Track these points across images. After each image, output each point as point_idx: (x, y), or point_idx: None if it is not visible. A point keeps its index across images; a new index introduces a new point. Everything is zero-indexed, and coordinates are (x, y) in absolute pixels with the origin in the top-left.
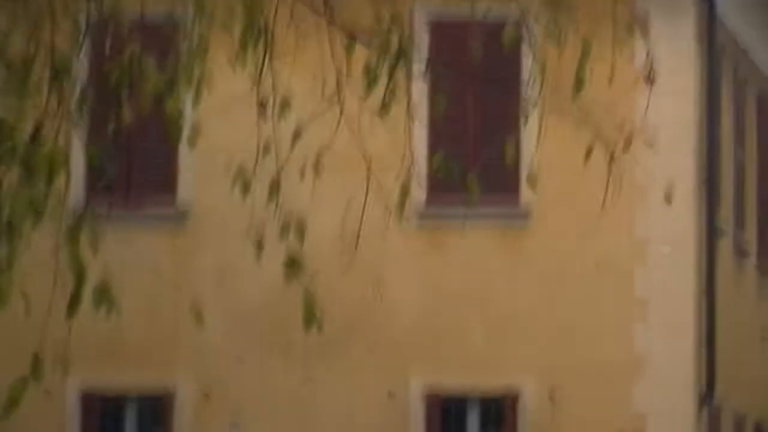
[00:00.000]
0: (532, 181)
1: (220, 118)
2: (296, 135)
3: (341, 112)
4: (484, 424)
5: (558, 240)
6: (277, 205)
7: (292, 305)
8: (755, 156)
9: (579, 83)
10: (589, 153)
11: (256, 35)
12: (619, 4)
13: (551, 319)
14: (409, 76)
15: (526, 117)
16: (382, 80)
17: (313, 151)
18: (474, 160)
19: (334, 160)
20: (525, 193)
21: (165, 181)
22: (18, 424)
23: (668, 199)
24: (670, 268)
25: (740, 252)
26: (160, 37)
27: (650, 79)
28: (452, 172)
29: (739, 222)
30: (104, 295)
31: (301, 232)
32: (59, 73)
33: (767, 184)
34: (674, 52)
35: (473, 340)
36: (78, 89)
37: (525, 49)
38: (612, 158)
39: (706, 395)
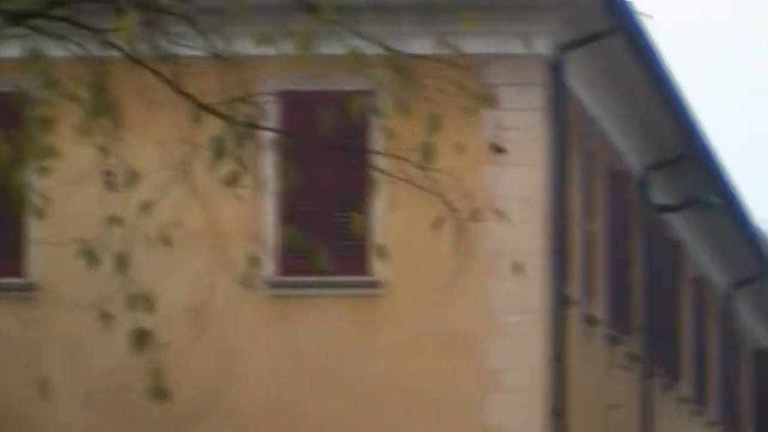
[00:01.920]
0: (381, 252)
1: (67, 189)
2: (144, 207)
3: (190, 184)
4: None
5: (410, 310)
6: (124, 277)
7: (141, 378)
8: (604, 226)
9: (427, 155)
10: (438, 223)
11: (104, 106)
12: (467, 74)
13: (404, 390)
14: (257, 147)
15: (376, 187)
16: (231, 151)
17: (161, 223)
18: (324, 232)
19: (184, 232)
20: (376, 263)
21: (12, 251)
22: None
23: (517, 269)
24: (521, 338)
25: (589, 321)
26: (7, 108)
27: (499, 149)
28: (301, 243)
29: (588, 292)
30: None
31: (149, 304)
32: None
33: (616, 255)
34: (523, 123)
35: (326, 413)
36: None
37: (375, 120)
38: (461, 229)
39: None
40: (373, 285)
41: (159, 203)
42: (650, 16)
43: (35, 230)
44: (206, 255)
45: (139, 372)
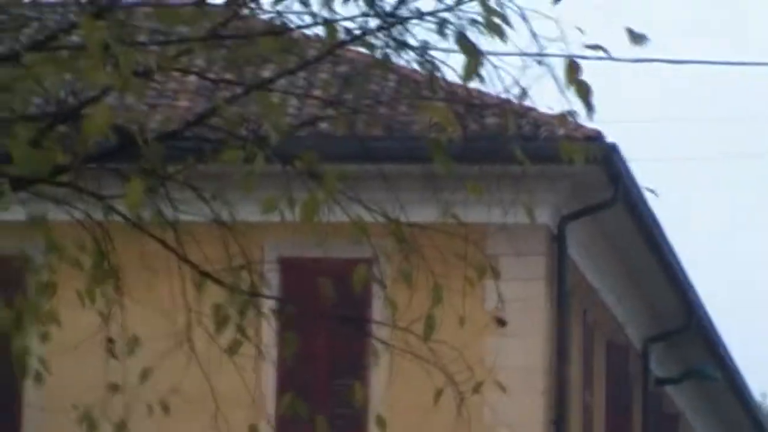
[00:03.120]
0: (381, 423)
1: (67, 354)
2: (144, 374)
3: (191, 351)
4: None
5: None
6: None
7: None
8: (603, 398)
9: (430, 327)
10: (439, 394)
11: (106, 271)
12: (469, 244)
13: None
14: (259, 315)
15: (377, 357)
16: (233, 319)
17: (161, 390)
18: (324, 401)
19: (183, 399)
20: None
21: (10, 417)
22: None
23: None
24: None
25: None
26: (9, 273)
27: (501, 322)
28: (301, 411)
29: None
30: None
31: None
32: None
33: (615, 427)
34: (524, 295)
35: None
36: None
37: (376, 289)
38: (462, 400)
39: None
40: None
41: (159, 370)
42: (654, 192)
43: (33, 396)
44: (206, 422)
45: None
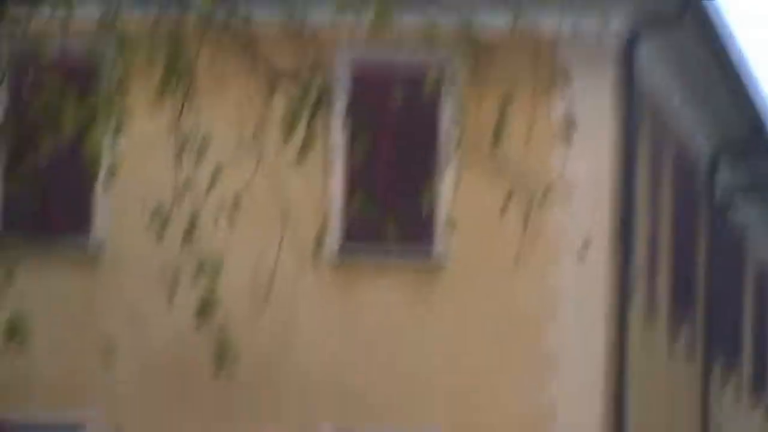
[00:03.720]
0: (450, 226)
1: (138, 156)
2: (214, 177)
3: (259, 156)
4: None
5: (470, 291)
6: (191, 248)
7: (202, 348)
8: (669, 212)
9: (498, 137)
10: (505, 205)
11: (178, 74)
12: (541, 52)
13: (460, 368)
14: (328, 121)
15: (445, 165)
16: (302, 124)
17: (230, 194)
18: (391, 203)
19: (251, 204)
20: (439, 242)
21: (80, 218)
22: None
23: (582, 253)
24: (582, 323)
25: (652, 308)
26: (83, 70)
27: (568, 133)
28: (371, 210)
29: (652, 279)
30: (16, 329)
31: (214, 275)
32: None
33: (680, 241)
34: (592, 108)
35: (383, 390)
36: None
37: (447, 94)
38: (528, 211)
39: None
40: (436, 260)
41: (229, 171)
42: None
43: (104, 194)
44: (273, 224)
45: (200, 340)
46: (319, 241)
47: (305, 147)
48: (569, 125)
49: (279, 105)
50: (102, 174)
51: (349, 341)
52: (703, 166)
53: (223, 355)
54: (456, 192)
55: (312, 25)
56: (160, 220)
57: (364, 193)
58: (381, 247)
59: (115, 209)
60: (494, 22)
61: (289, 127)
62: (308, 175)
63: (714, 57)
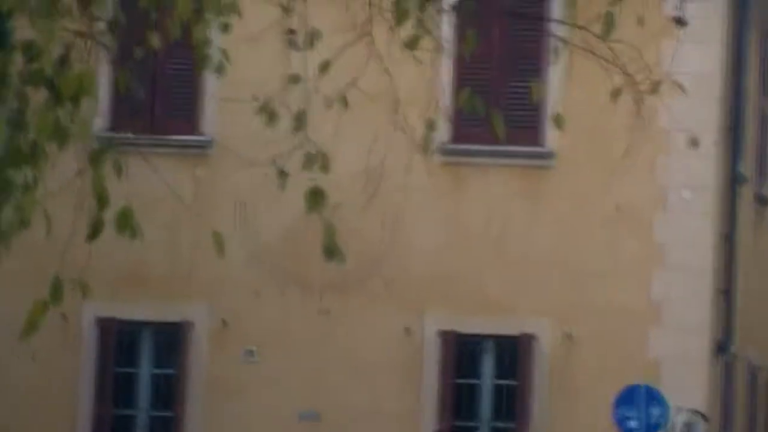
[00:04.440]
0: (558, 121)
1: (247, 47)
2: (324, 67)
3: (371, 45)
4: (499, 364)
5: (580, 182)
6: (302, 136)
7: (311, 237)
8: None
9: (609, 25)
10: (616, 95)
11: None
12: None
13: (569, 261)
14: (438, 11)
15: (555, 56)
16: (413, 12)
17: (339, 84)
18: (499, 100)
19: (361, 94)
20: (549, 133)
21: (189, 108)
22: (34, 347)
23: (693, 144)
24: (691, 215)
25: (761, 200)
26: None
27: (680, 22)
28: (478, 107)
29: (761, 170)
30: (126, 221)
31: (325, 164)
32: None
33: None
34: (703, 2)
35: (491, 280)
36: (108, 13)
37: None
38: (640, 100)
39: (723, 344)
40: (545, 155)
41: (338, 63)
42: None
43: (212, 88)
44: (382, 118)
45: (308, 232)
46: (428, 133)
47: (414, 40)
48: (680, 19)
49: None
50: (211, 64)
51: (458, 232)
52: None
53: (332, 246)
54: (564, 86)
55: None
56: (270, 108)
57: (468, 91)
58: (490, 142)
59: (224, 104)
60: None
61: (400, 17)
62: (417, 68)
63: None
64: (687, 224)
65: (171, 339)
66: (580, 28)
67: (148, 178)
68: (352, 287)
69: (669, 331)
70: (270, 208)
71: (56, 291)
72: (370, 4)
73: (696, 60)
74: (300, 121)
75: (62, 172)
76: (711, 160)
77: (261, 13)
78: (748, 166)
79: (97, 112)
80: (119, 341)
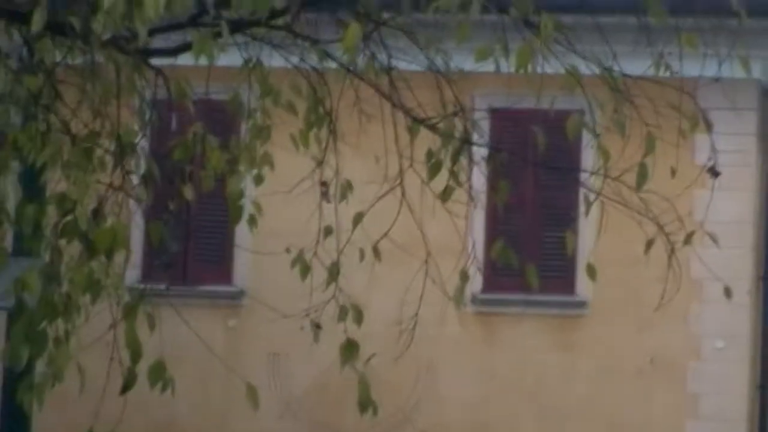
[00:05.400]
0: (591, 272)
1: (279, 198)
2: (357, 219)
3: (403, 196)
4: None
5: (613, 333)
6: (336, 288)
7: (344, 391)
8: None
9: (642, 176)
10: (649, 245)
11: (321, 116)
12: (682, 96)
13: (603, 413)
14: (470, 162)
15: (587, 207)
16: (445, 165)
17: (372, 236)
18: (532, 250)
19: (394, 245)
20: (582, 284)
21: (222, 260)
22: None
23: (728, 293)
24: (725, 364)
25: None
26: (224, 116)
27: (715, 173)
28: (511, 259)
29: None
30: (160, 374)
31: (359, 316)
32: (124, 149)
33: None
34: (735, 148)
35: None
36: (142, 166)
37: (588, 139)
38: (672, 251)
39: None
40: (578, 305)
41: (371, 215)
42: None
43: (244, 239)
44: (415, 269)
45: (341, 385)
46: (462, 284)
47: (447, 191)
48: (713, 169)
49: (420, 149)
50: (243, 220)
51: (490, 384)
52: None
53: (365, 397)
54: (597, 238)
55: (453, 71)
56: (302, 263)
57: (502, 243)
58: (523, 292)
59: (256, 255)
60: (635, 69)
61: (432, 172)
62: (450, 219)
63: None
64: (721, 374)
65: None
66: (613, 179)
67: (180, 329)
68: None
69: None
70: (303, 359)
71: None
72: (401, 156)
73: (729, 208)
74: (333, 273)
75: (95, 324)
76: (745, 308)
77: (294, 166)
78: None
79: (131, 264)
80: None
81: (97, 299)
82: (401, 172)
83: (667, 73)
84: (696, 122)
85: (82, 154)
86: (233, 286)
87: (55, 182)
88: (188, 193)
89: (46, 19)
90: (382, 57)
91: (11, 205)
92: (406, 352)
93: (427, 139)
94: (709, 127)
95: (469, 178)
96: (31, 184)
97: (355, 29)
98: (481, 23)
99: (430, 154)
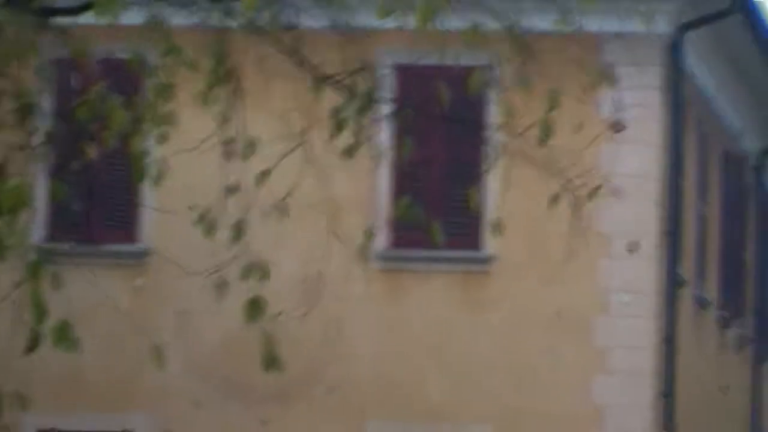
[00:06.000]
0: (496, 228)
1: (184, 157)
2: (262, 177)
3: (308, 154)
4: None
5: (519, 288)
6: (241, 247)
7: (251, 347)
8: (718, 209)
9: (546, 132)
10: (554, 200)
11: (224, 75)
12: (587, 52)
13: (510, 367)
14: (375, 120)
15: (492, 163)
16: (349, 123)
17: (277, 193)
18: (438, 206)
19: (299, 203)
20: (488, 239)
21: (127, 218)
22: None
23: (632, 248)
24: (631, 318)
25: (701, 303)
26: (127, 75)
27: (618, 127)
28: (417, 217)
29: (701, 274)
30: (64, 333)
31: (264, 274)
32: (25, 109)
33: (729, 237)
34: (639, 103)
35: (431, 388)
36: (44, 125)
37: (492, 95)
38: (577, 207)
39: None
40: (484, 261)
41: (276, 173)
42: None
43: (150, 197)
44: (320, 226)
45: (248, 341)
46: (366, 242)
47: (352, 148)
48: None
49: (324, 107)
50: (147, 179)
51: (398, 340)
52: (752, 163)
53: (271, 356)
54: (502, 191)
55: (357, 28)
56: (207, 222)
57: (407, 200)
58: (429, 249)
59: (162, 213)
60: (539, 25)
61: (336, 129)
62: (355, 176)
63: (762, 52)
64: (627, 328)
65: None
66: (518, 134)
67: (87, 289)
68: (293, 397)
69: None
70: (210, 317)
71: None
72: (307, 114)
73: (634, 163)
74: (239, 230)
75: (1, 283)
76: (650, 263)
77: (198, 124)
78: (687, 269)
79: (35, 223)
80: None
81: (1, 258)
82: (306, 130)
83: (571, 29)
84: (600, 78)
85: None
86: (139, 245)
87: None
88: (91, 151)
89: None
90: (286, 15)
91: None
92: (313, 310)
93: (331, 97)
94: (612, 82)
95: (372, 136)
96: None
97: None
98: None
99: (334, 111)
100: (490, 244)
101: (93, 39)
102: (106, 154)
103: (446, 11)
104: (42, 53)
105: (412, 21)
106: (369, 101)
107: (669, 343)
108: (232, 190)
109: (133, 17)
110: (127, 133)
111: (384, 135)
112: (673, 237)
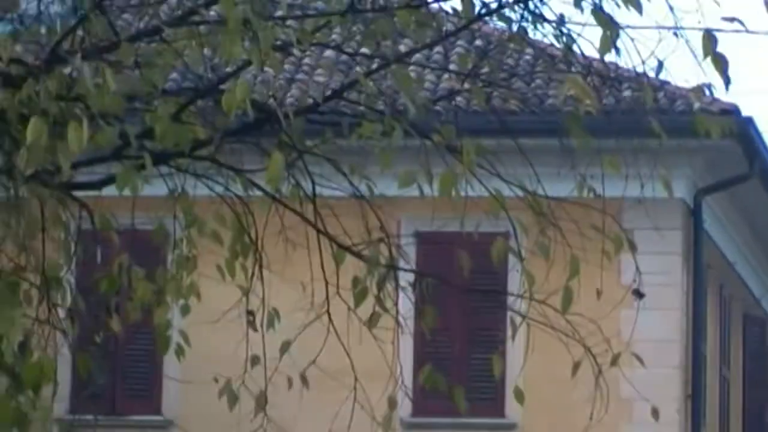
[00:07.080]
0: (519, 396)
1: (207, 328)
2: (284, 347)
3: (330, 323)
4: None
5: None
6: (263, 418)
7: None
8: (740, 372)
9: (567, 299)
10: (576, 367)
11: (246, 245)
12: (606, 218)
13: None
14: (397, 288)
15: (514, 330)
16: (371, 291)
17: (300, 363)
18: (461, 373)
19: (322, 372)
20: (511, 405)
21: (150, 390)
22: None
23: (655, 414)
24: None
25: None
26: (150, 247)
27: (639, 294)
28: (439, 384)
29: None
30: None
31: None
32: (49, 283)
33: (752, 400)
34: (661, 268)
35: None
36: (68, 299)
37: (513, 263)
38: (599, 373)
39: None
40: (508, 428)
41: (298, 343)
42: None
43: (173, 368)
44: (345, 395)
45: None
46: (390, 410)
47: (374, 317)
48: (638, 291)
49: (347, 272)
50: (171, 348)
51: None
52: None
53: None
54: (525, 360)
55: (378, 197)
56: (230, 393)
57: (430, 368)
58: (452, 416)
59: (185, 385)
60: (558, 191)
61: (359, 296)
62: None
63: None
64: None
65: None
66: (538, 302)
67: None
68: None
69: None
70: None
71: None
72: (327, 284)
73: (655, 328)
74: (261, 402)
75: None
76: (673, 428)
77: (221, 295)
78: None
79: (58, 397)
80: None
81: None
82: (327, 300)
83: (591, 195)
84: (620, 244)
85: (7, 289)
86: (162, 416)
87: None
88: (115, 325)
89: None
90: (307, 185)
91: None
92: None
93: (354, 266)
94: (633, 248)
95: (395, 304)
96: None
97: (278, 159)
98: (405, 148)
99: (356, 281)
100: (513, 411)
101: (115, 211)
102: (129, 326)
103: (466, 179)
104: (65, 227)
105: (432, 190)
106: (390, 270)
107: None
108: (254, 361)
109: (155, 189)
110: (151, 305)
111: (406, 304)
112: (696, 401)
